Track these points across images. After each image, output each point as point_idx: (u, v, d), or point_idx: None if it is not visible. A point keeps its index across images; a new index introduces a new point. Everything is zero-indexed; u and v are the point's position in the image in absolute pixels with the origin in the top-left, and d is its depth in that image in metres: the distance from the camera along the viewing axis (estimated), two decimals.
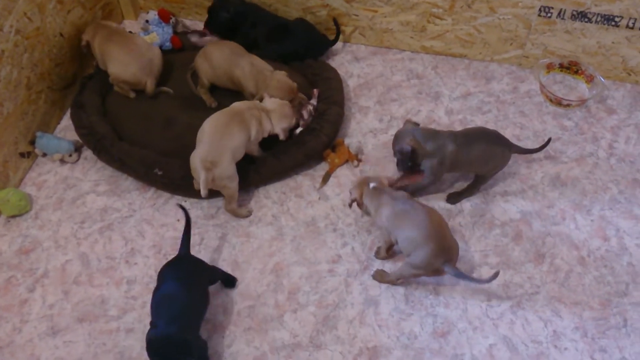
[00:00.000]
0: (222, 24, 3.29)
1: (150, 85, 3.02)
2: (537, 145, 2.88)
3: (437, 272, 2.34)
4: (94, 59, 3.13)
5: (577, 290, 2.50)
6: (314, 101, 3.04)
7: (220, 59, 2.97)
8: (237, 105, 2.73)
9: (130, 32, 3.36)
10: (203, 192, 2.53)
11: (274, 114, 2.76)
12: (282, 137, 2.77)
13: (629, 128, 3.07)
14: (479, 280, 2.32)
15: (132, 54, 2.98)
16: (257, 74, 2.94)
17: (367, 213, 2.51)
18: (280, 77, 2.92)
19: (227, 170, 2.58)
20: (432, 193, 2.81)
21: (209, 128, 2.61)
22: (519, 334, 2.38)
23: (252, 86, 2.94)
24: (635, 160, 2.93)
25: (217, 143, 2.57)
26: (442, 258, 2.27)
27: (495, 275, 2.26)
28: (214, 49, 3.01)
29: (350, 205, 2.53)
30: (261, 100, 2.84)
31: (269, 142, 2.83)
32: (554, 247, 2.63)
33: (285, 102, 2.83)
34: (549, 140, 2.78)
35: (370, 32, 3.46)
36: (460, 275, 2.28)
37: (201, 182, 2.52)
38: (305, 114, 2.97)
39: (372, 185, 2.46)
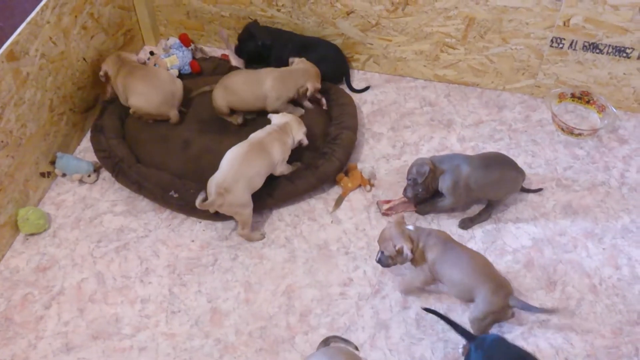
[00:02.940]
0: (250, 53, 3.38)
1: (174, 116, 3.08)
2: (548, 174, 2.95)
3: (504, 310, 2.31)
4: (109, 87, 3.18)
5: (589, 319, 2.51)
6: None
7: (241, 84, 3.05)
8: (255, 135, 2.78)
9: (152, 56, 3.46)
10: (198, 202, 2.60)
11: (292, 126, 2.83)
12: (305, 142, 2.85)
13: None
14: (546, 311, 2.36)
15: (155, 87, 3.03)
16: (286, 77, 3.07)
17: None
18: (305, 64, 3.13)
19: (240, 199, 2.63)
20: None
21: (230, 155, 2.67)
22: None
23: (286, 91, 3.05)
24: None
25: (234, 171, 2.62)
26: (502, 293, 2.29)
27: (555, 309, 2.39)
28: (231, 79, 3.07)
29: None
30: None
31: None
32: (566, 274, 2.64)
33: (292, 114, 2.97)
34: (540, 189, 2.92)
35: (385, 61, 3.52)
36: (527, 307, 2.29)
37: (208, 201, 2.60)
38: (322, 98, 3.19)
39: (409, 227, 2.46)
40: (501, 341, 2.14)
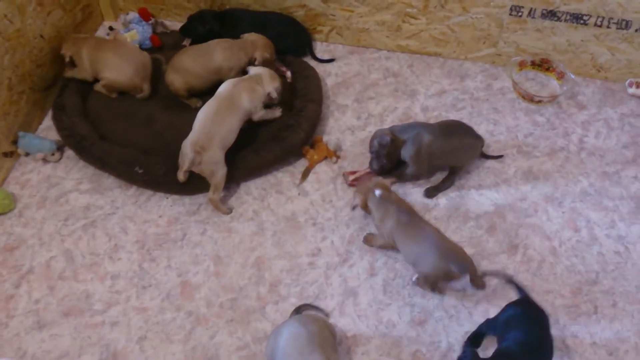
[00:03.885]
0: (198, 35, 3.35)
1: (146, 88, 3.08)
2: (509, 141, 3.02)
3: (449, 275, 2.39)
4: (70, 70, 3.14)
5: (549, 279, 2.59)
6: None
7: (190, 61, 3.03)
8: (222, 88, 2.83)
9: (111, 31, 3.42)
10: (181, 175, 2.68)
11: (263, 77, 2.89)
12: (274, 95, 2.90)
13: (599, 123, 3.17)
14: (493, 274, 2.48)
15: (127, 59, 3.02)
16: (235, 47, 3.08)
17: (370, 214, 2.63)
18: (258, 35, 3.16)
19: (215, 156, 2.67)
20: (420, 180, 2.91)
21: (201, 115, 2.72)
22: None
23: (237, 60, 3.07)
24: (605, 154, 3.04)
25: (208, 129, 2.67)
26: (446, 258, 2.36)
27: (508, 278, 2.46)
28: (178, 58, 3.05)
29: (353, 209, 2.68)
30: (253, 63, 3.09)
31: (249, 137, 2.89)
32: (527, 238, 2.72)
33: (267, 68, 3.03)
34: (501, 156, 3.01)
35: (347, 32, 3.53)
36: (466, 272, 2.38)
37: (186, 162, 2.64)
38: (287, 71, 3.23)
39: (378, 193, 2.56)
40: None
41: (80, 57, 3.05)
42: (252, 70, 2.96)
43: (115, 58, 3.01)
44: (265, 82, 2.89)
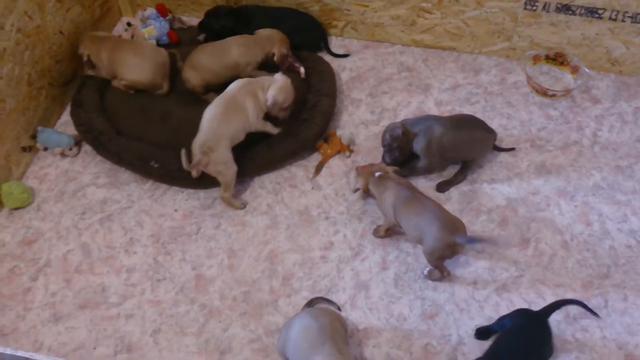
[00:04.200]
0: (213, 31, 3.38)
1: (166, 86, 3.12)
2: (523, 135, 3.02)
3: (454, 247, 2.42)
4: (88, 69, 3.18)
5: (561, 273, 2.59)
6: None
7: (207, 58, 3.06)
8: (230, 89, 2.84)
9: (129, 27, 3.46)
10: (184, 164, 2.71)
11: (272, 84, 2.86)
12: (269, 102, 2.83)
13: (613, 117, 3.16)
14: (493, 241, 2.45)
15: (146, 58, 3.06)
16: (251, 42, 3.10)
17: (373, 197, 2.71)
18: (273, 30, 3.16)
19: (223, 156, 2.70)
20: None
21: (208, 115, 2.74)
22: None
23: (254, 56, 3.09)
24: (618, 148, 3.02)
25: (214, 130, 2.69)
26: (449, 230, 2.38)
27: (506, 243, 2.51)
28: (195, 55, 3.08)
29: (354, 191, 2.74)
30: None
31: (264, 132, 2.92)
32: (539, 232, 2.72)
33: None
34: (513, 148, 3.02)
35: (362, 27, 3.54)
36: (475, 240, 2.39)
37: (194, 161, 2.68)
38: (301, 67, 3.23)
39: (377, 174, 2.63)
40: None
41: (99, 57, 3.09)
42: (274, 77, 2.90)
43: (135, 58, 3.05)
44: (269, 89, 2.84)
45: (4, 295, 2.57)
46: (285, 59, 3.16)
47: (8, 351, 2.15)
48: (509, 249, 2.57)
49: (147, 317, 2.50)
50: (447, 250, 2.41)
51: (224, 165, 2.72)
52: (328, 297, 2.53)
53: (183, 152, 2.71)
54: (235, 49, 3.07)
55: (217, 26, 3.35)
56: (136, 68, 3.05)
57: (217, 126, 2.70)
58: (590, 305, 2.47)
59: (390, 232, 2.69)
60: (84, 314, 2.52)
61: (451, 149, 2.78)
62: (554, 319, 2.44)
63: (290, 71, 3.21)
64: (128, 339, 2.44)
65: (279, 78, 2.88)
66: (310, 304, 2.47)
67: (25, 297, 2.57)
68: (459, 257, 2.63)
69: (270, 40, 3.14)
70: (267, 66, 3.16)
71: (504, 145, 3.01)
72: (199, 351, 2.40)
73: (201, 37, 3.45)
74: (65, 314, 2.52)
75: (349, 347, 2.18)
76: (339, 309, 2.49)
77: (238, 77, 3.01)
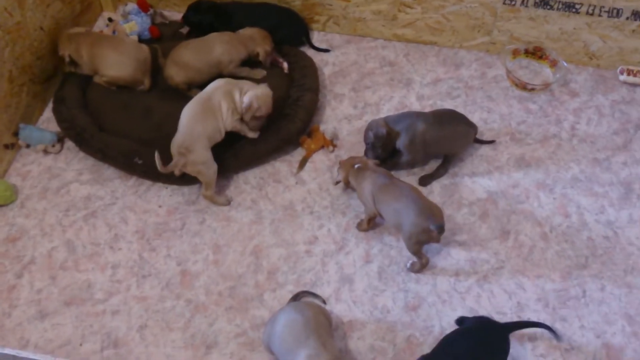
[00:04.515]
0: (194, 24, 3.40)
1: (147, 82, 3.12)
2: (503, 129, 3.07)
3: (430, 233, 2.45)
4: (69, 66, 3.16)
5: (540, 264, 2.65)
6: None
7: (190, 55, 3.06)
8: (207, 89, 2.82)
9: (110, 22, 3.45)
10: (159, 166, 2.65)
11: (249, 88, 2.82)
12: (243, 105, 2.78)
13: (590, 110, 3.22)
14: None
15: (126, 54, 3.05)
16: (234, 40, 3.11)
17: (354, 189, 2.75)
18: (250, 31, 3.18)
19: (201, 156, 2.70)
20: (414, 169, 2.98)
21: (184, 117, 2.74)
22: (485, 306, 2.53)
23: (237, 54, 3.10)
24: (596, 141, 3.08)
25: (191, 130, 2.70)
26: (426, 215, 2.43)
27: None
28: (178, 52, 3.07)
29: (335, 184, 2.79)
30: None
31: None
32: (519, 224, 2.78)
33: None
34: (493, 141, 3.06)
35: (344, 21, 3.56)
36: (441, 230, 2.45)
37: (172, 162, 2.68)
38: (284, 63, 3.25)
39: (356, 166, 2.68)
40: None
41: (79, 54, 3.08)
42: (259, 85, 2.87)
43: (115, 55, 3.04)
44: (245, 92, 2.81)
45: None
46: (269, 56, 3.18)
47: None
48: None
49: (133, 313, 2.52)
50: (424, 235, 2.46)
51: (203, 165, 2.72)
52: (313, 290, 2.56)
53: (157, 154, 2.66)
54: (219, 47, 3.07)
55: (198, 20, 3.36)
56: (117, 64, 3.05)
57: (193, 126, 2.70)
58: (568, 296, 2.55)
59: (372, 223, 2.73)
60: (70, 311, 2.52)
61: (434, 144, 2.83)
62: (534, 309, 2.50)
63: (273, 66, 3.23)
64: (114, 334, 2.46)
65: (262, 87, 2.85)
66: (296, 298, 2.50)
67: (11, 294, 2.57)
68: (441, 249, 2.68)
69: (253, 39, 3.15)
70: (250, 62, 3.17)
71: (484, 138, 3.06)
72: (186, 346, 2.43)
73: (184, 30, 3.45)
74: (51, 311, 2.52)
75: (333, 340, 2.22)
76: (324, 302, 2.52)
77: (221, 75, 3.02)
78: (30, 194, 2.89)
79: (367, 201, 2.63)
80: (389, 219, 2.58)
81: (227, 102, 2.78)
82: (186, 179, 2.83)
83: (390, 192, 2.56)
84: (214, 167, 2.75)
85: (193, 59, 3.05)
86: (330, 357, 2.09)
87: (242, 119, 2.85)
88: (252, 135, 2.91)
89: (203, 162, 2.72)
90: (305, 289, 2.56)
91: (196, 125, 2.70)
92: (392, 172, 2.89)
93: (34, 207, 2.84)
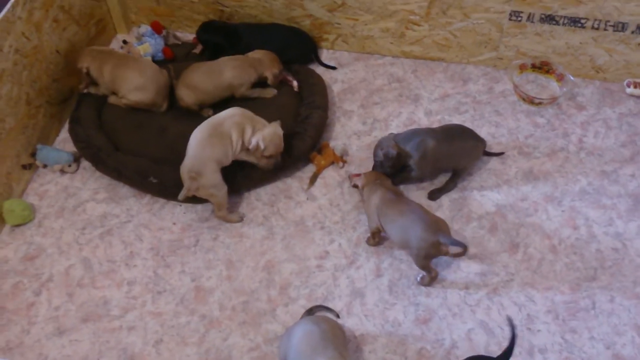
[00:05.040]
0: (206, 44, 3.48)
1: (165, 106, 3.17)
2: (510, 142, 3.11)
3: (438, 247, 2.48)
4: (86, 80, 3.21)
5: (549, 277, 2.67)
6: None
7: (202, 78, 3.11)
8: (221, 115, 2.84)
9: (124, 45, 3.53)
10: (181, 196, 2.75)
11: (261, 127, 2.83)
12: (251, 145, 2.79)
13: (598, 123, 3.25)
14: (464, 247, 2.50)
15: (150, 79, 3.09)
16: (245, 64, 3.16)
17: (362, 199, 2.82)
18: (259, 54, 3.22)
19: (211, 180, 2.74)
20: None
21: (194, 140, 2.77)
22: (495, 318, 2.55)
23: (247, 77, 3.16)
24: (603, 153, 3.11)
25: (200, 155, 2.73)
26: (432, 230, 2.46)
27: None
28: (190, 75, 3.12)
29: (351, 184, 2.92)
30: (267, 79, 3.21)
31: None
32: (527, 237, 2.80)
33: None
34: (502, 153, 3.11)
35: (353, 39, 3.62)
36: (457, 242, 2.47)
37: (183, 189, 2.73)
38: (294, 81, 3.31)
39: (377, 181, 2.75)
40: None
41: (101, 72, 3.12)
42: (271, 123, 2.85)
43: (139, 78, 3.07)
44: (257, 132, 2.80)
45: (9, 310, 2.63)
46: (278, 78, 3.24)
47: None
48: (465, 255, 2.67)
49: (149, 328, 2.57)
50: (432, 249, 2.49)
51: (214, 188, 2.76)
52: (325, 304, 2.60)
53: (184, 191, 2.75)
54: (229, 71, 3.13)
55: (206, 39, 3.43)
56: (140, 89, 3.08)
57: (202, 150, 2.73)
58: (578, 307, 2.57)
59: (379, 238, 2.77)
60: (87, 327, 2.58)
61: (444, 159, 2.87)
62: (543, 321, 2.52)
63: (283, 84, 3.29)
64: (131, 350, 2.51)
65: (273, 126, 2.84)
66: (310, 312, 2.54)
67: (29, 311, 2.63)
68: (451, 262, 2.71)
69: (262, 63, 3.20)
70: (260, 82, 3.24)
71: (492, 151, 3.09)
72: None
73: (197, 50, 3.53)
74: (68, 328, 2.58)
75: (348, 353, 2.25)
76: (338, 316, 2.56)
77: (231, 96, 3.11)
78: (47, 213, 2.96)
79: (372, 214, 2.68)
80: (395, 236, 2.61)
81: (237, 133, 2.78)
82: (199, 198, 2.88)
83: (396, 207, 2.60)
84: (224, 189, 2.79)
85: (203, 81, 3.11)
86: None
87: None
88: (264, 166, 2.89)
89: (214, 185, 2.76)
90: (318, 304, 2.60)
91: (205, 150, 2.73)
92: (402, 187, 2.94)
93: (51, 226, 2.91)
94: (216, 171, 2.76)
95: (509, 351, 2.22)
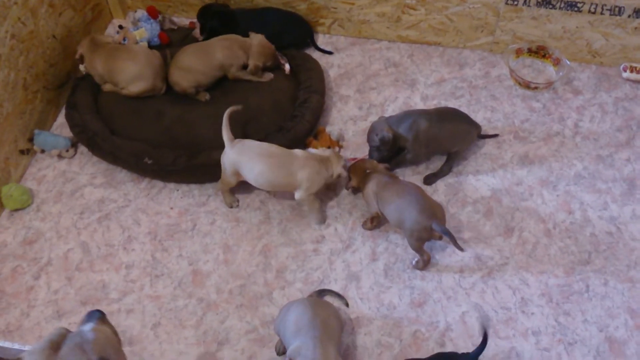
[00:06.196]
0: (204, 27, 3.46)
1: (164, 87, 3.15)
2: (506, 127, 3.12)
3: (431, 231, 2.51)
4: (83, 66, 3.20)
5: (544, 260, 2.70)
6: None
7: (193, 59, 3.11)
8: (293, 150, 2.76)
9: (120, 30, 3.53)
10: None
11: (332, 159, 2.77)
12: (344, 175, 2.77)
13: (594, 107, 3.26)
14: (457, 246, 2.49)
15: (145, 65, 3.06)
16: (234, 45, 3.16)
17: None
18: (260, 40, 3.20)
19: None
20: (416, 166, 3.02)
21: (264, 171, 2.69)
22: (490, 301, 2.58)
23: (237, 58, 3.15)
24: (599, 138, 3.12)
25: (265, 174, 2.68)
26: (427, 214, 2.48)
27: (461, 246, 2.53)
28: (180, 58, 3.12)
29: (348, 190, 2.89)
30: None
31: (256, 129, 2.99)
32: (522, 221, 2.83)
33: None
34: (497, 135, 3.13)
35: (349, 24, 3.62)
36: (447, 233, 2.46)
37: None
38: (286, 64, 3.32)
39: (367, 171, 2.76)
40: None
41: (92, 64, 3.10)
42: (317, 151, 2.80)
43: (136, 67, 3.03)
44: (334, 165, 2.75)
45: (8, 293, 2.66)
46: (258, 71, 3.20)
47: (15, 346, 2.23)
48: (463, 252, 2.68)
49: (147, 311, 2.60)
50: (424, 232, 2.51)
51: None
52: (320, 288, 2.62)
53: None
54: (220, 52, 3.12)
55: (203, 23, 3.43)
56: (138, 78, 3.05)
57: (268, 171, 2.67)
58: (571, 290, 2.60)
59: (377, 222, 2.79)
60: (86, 310, 2.59)
61: (436, 141, 2.88)
62: (537, 304, 2.55)
63: (276, 68, 3.29)
64: (129, 332, 2.53)
65: (328, 153, 2.79)
66: (321, 293, 2.56)
67: (29, 295, 2.66)
68: (446, 246, 2.73)
69: (250, 49, 3.18)
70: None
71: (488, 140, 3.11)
72: (198, 343, 2.50)
73: (196, 32, 3.51)
74: (67, 311, 2.61)
75: (336, 347, 2.19)
76: (347, 304, 2.58)
77: (224, 76, 3.14)
78: (45, 197, 2.98)
79: (371, 200, 2.70)
80: (392, 217, 2.63)
81: (308, 176, 2.70)
82: (195, 177, 2.89)
83: (393, 189, 2.62)
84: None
85: (196, 63, 3.09)
86: (317, 358, 2.10)
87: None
88: (318, 213, 2.85)
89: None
90: (317, 288, 2.62)
91: (264, 169, 2.67)
92: (397, 170, 2.96)
93: (49, 211, 2.93)
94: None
95: (479, 350, 2.17)
